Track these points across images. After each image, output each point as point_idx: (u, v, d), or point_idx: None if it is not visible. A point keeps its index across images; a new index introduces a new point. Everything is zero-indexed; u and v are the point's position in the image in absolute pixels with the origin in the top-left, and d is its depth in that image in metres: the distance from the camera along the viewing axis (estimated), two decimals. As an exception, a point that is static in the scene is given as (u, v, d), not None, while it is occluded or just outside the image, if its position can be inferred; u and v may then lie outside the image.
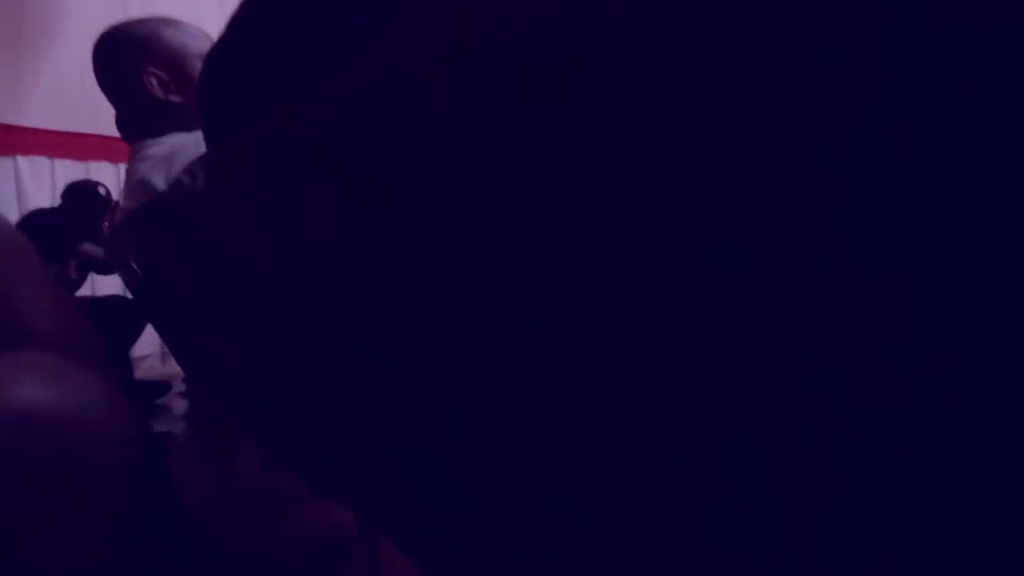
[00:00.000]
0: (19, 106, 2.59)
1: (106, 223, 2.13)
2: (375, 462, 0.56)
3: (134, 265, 0.74)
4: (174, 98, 0.86)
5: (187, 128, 0.87)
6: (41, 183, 2.70)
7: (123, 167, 1.88)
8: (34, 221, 2.24)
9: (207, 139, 0.53)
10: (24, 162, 2.65)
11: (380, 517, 0.67)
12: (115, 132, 0.94)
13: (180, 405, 2.01)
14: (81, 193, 2.34)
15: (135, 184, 0.76)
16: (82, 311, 0.57)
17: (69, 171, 2.74)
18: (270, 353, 0.65)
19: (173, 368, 2.56)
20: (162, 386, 2.17)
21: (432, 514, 0.50)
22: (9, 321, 0.46)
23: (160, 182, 0.73)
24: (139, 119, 0.86)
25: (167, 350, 2.66)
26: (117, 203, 1.93)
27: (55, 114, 2.66)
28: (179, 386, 2.31)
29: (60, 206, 2.35)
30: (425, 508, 0.50)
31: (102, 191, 2.32)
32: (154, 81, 0.85)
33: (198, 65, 0.68)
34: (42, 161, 2.72)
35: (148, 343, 2.69)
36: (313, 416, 0.66)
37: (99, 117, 2.75)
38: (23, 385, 0.43)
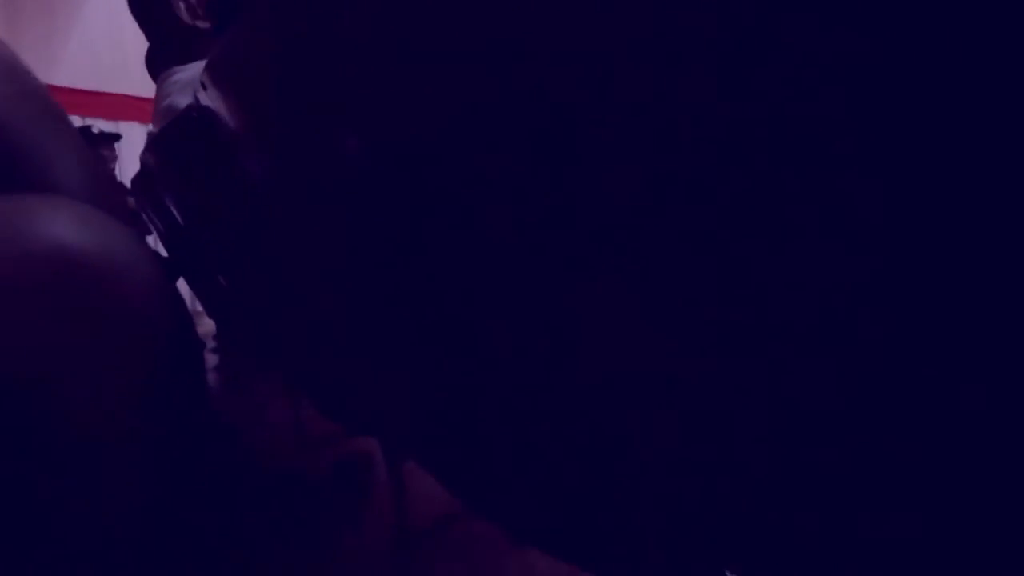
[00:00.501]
0: (51, 65, 2.60)
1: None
2: (395, 386, 0.55)
3: (158, 190, 0.72)
4: (201, 24, 0.84)
5: None
6: (74, 143, 2.75)
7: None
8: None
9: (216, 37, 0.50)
10: (57, 122, 2.70)
11: (402, 440, 0.66)
12: (147, 92, 0.93)
13: (211, 359, 2.05)
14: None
15: (163, 109, 0.74)
16: (107, 170, 0.56)
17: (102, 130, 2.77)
18: (295, 278, 0.64)
19: (204, 328, 2.61)
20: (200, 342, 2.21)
21: (446, 428, 0.49)
22: (38, 169, 0.44)
23: (185, 105, 0.71)
24: (170, 46, 0.84)
25: (198, 308, 2.71)
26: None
27: (87, 73, 2.67)
28: (209, 343, 2.35)
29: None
30: (440, 424, 0.50)
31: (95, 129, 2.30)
32: (182, 6, 0.83)
33: None
34: (74, 120, 2.76)
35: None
36: (340, 350, 0.65)
37: (131, 77, 2.76)
38: (56, 226, 0.41)
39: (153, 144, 0.67)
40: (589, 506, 0.41)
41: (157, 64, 0.88)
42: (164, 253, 1.58)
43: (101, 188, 0.52)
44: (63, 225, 0.42)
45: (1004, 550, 0.20)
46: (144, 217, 1.36)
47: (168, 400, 0.45)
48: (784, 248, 0.22)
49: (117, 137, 2.22)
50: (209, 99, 0.51)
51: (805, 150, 0.19)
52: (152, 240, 2.20)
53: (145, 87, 0.98)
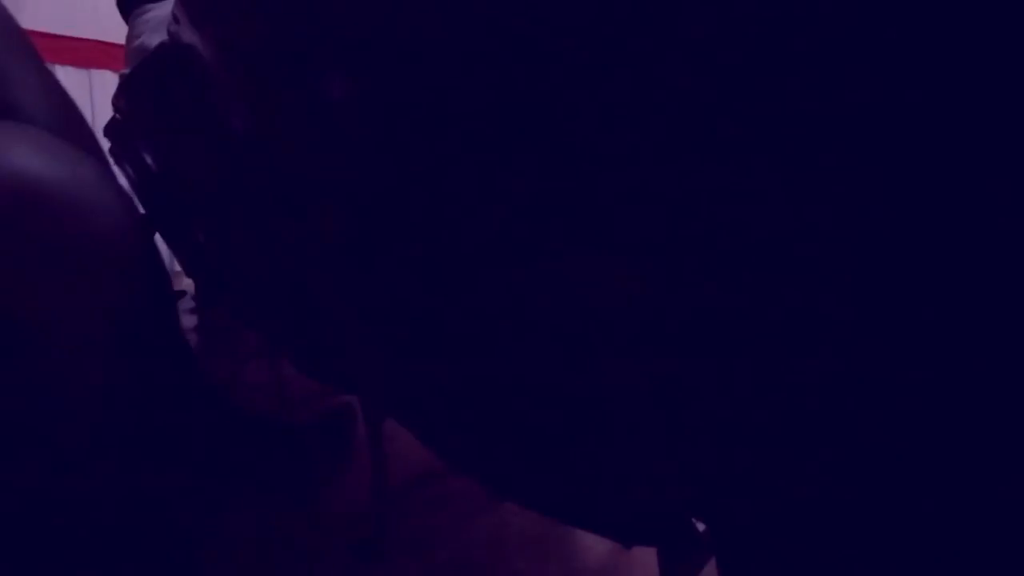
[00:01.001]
0: (17, 9, 2.48)
1: None
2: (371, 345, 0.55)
3: (132, 136, 0.70)
4: None
5: None
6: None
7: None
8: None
9: None
10: (24, 69, 2.58)
11: (381, 397, 0.66)
12: (118, 38, 0.88)
13: (189, 320, 2.02)
14: None
15: (134, 49, 0.71)
16: (70, 98, 0.54)
17: (71, 78, 2.66)
18: (276, 233, 0.62)
19: (181, 286, 2.57)
20: (177, 294, 2.18)
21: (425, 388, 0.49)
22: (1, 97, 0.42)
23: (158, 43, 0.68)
24: None
25: (176, 267, 2.66)
26: None
27: (53, 16, 2.55)
28: (187, 303, 2.32)
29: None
30: (419, 384, 0.50)
31: None
32: None
33: None
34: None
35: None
36: (320, 308, 0.64)
37: (100, 22, 2.64)
38: (18, 153, 0.39)
39: (124, 87, 0.64)
40: (564, 460, 0.42)
41: (130, 2, 0.83)
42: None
43: (71, 122, 0.49)
44: (25, 152, 0.40)
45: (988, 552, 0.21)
46: (119, 169, 1.31)
47: (138, 333, 0.44)
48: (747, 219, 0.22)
49: None
50: (183, 34, 0.48)
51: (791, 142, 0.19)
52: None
53: (116, 32, 0.93)
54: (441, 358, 0.46)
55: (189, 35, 0.51)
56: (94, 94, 2.66)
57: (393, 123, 0.37)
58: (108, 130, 0.95)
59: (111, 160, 1.49)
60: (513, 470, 0.49)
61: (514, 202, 0.32)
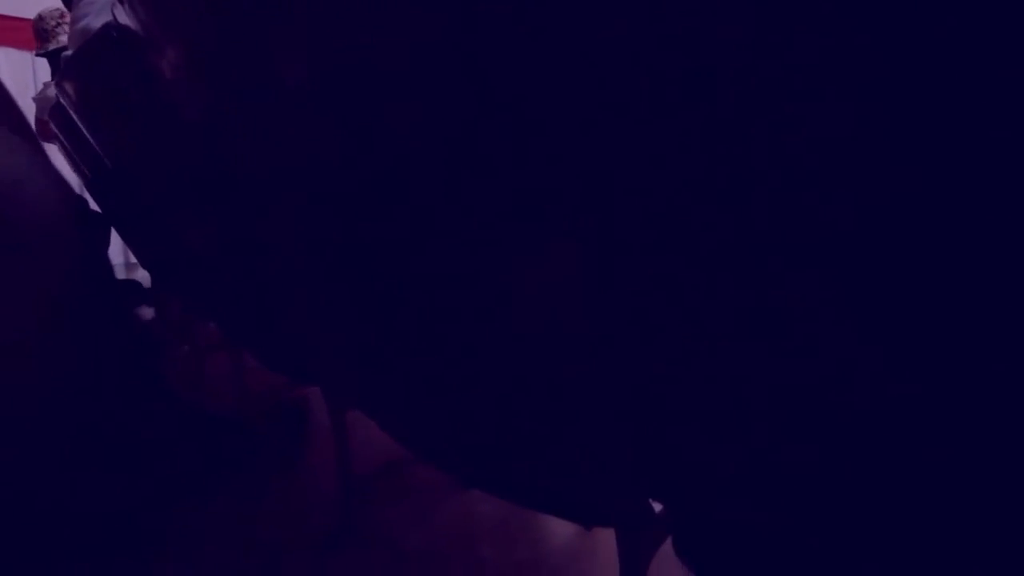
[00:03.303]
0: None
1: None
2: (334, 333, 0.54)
3: (75, 117, 0.67)
4: None
5: None
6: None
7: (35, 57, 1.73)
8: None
9: None
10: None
11: (345, 388, 0.65)
12: (25, 12, 0.83)
13: (147, 312, 1.96)
14: None
15: (78, 31, 0.68)
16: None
17: (13, 60, 2.52)
18: (234, 221, 0.61)
19: (138, 277, 2.48)
20: (133, 284, 2.12)
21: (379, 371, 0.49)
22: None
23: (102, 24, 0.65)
24: None
25: (132, 259, 2.57)
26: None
27: (-4, -2, 2.41)
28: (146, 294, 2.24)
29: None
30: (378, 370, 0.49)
31: None
32: None
33: None
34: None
35: (111, 252, 2.57)
36: (281, 298, 0.63)
37: (44, 3, 2.51)
38: None
39: (68, 69, 0.61)
40: (527, 447, 0.42)
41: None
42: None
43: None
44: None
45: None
46: (66, 159, 1.26)
47: (74, 322, 0.42)
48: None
49: None
50: (128, 18, 0.47)
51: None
52: (78, 187, 2.05)
53: (17, 5, 0.87)
54: (404, 348, 0.46)
55: (135, 18, 0.49)
56: (37, 76, 2.53)
57: (351, 112, 0.37)
58: (54, 114, 0.91)
59: (58, 146, 1.43)
60: (477, 458, 0.50)
61: (475, 197, 0.32)
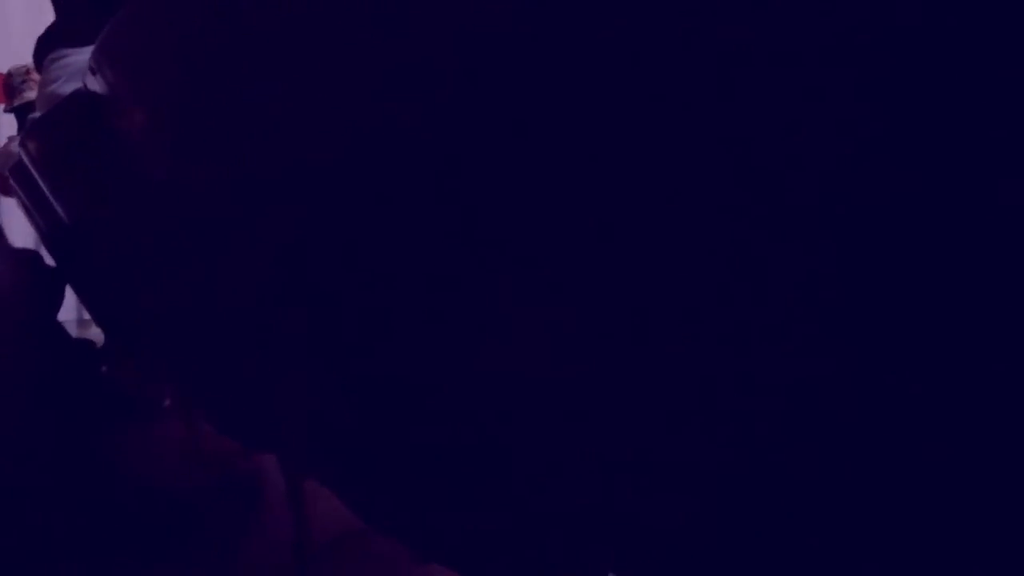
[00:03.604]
0: None
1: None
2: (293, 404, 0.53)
3: (36, 175, 0.66)
4: None
5: None
6: None
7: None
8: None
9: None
10: None
11: (301, 456, 0.63)
12: None
13: (99, 373, 1.88)
14: None
15: (48, 94, 0.68)
16: None
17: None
18: (191, 283, 0.60)
19: (91, 334, 2.39)
20: (85, 343, 2.02)
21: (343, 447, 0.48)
22: None
23: (72, 91, 0.66)
24: (75, 22, 0.76)
25: (85, 316, 2.48)
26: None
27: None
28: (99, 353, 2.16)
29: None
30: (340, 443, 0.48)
31: None
32: None
33: None
34: None
35: (65, 309, 2.48)
36: (238, 362, 0.62)
37: (13, 58, 2.51)
38: None
39: (34, 130, 0.61)
40: (488, 522, 0.41)
41: (48, 45, 0.80)
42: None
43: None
44: None
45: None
46: (25, 214, 1.23)
47: (16, 387, 0.41)
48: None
49: None
50: (99, 85, 0.47)
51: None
52: (35, 242, 1.99)
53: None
54: (365, 417, 0.45)
55: (107, 84, 0.50)
56: (2, 131, 2.51)
57: (316, 179, 0.38)
58: (14, 171, 0.90)
59: (16, 201, 1.40)
60: (436, 531, 0.48)
61: (435, 257, 0.33)
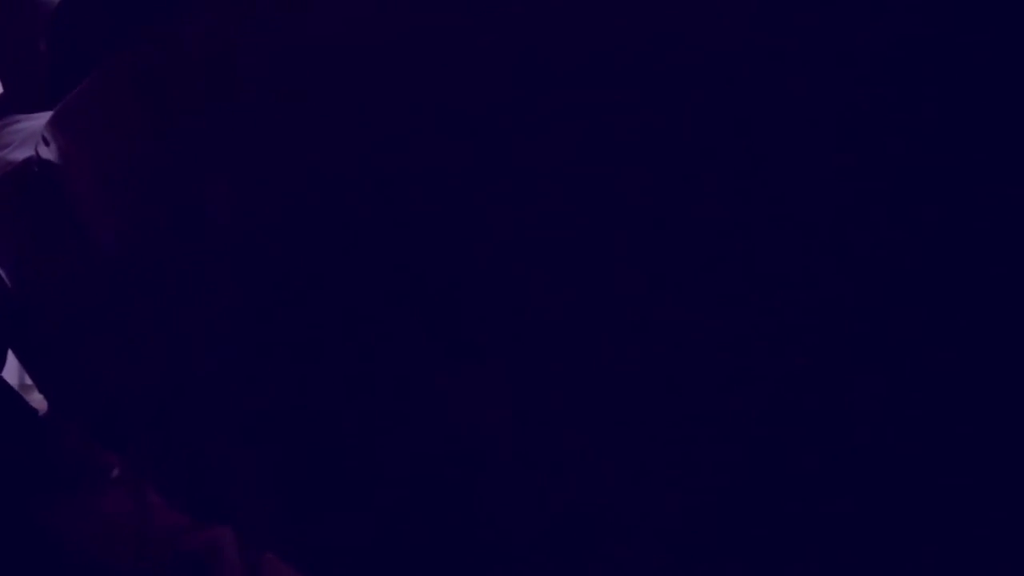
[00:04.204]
0: None
1: None
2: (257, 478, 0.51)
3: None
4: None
5: None
6: None
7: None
8: None
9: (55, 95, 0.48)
10: None
11: (259, 530, 0.61)
12: None
13: (41, 441, 1.77)
14: None
15: (-3, 161, 0.67)
16: None
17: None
18: (143, 352, 0.58)
19: (34, 400, 2.26)
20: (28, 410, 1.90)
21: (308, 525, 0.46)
22: None
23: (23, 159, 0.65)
24: (24, 90, 0.76)
25: (27, 381, 2.35)
26: None
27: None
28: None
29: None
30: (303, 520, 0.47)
31: None
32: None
33: None
34: None
35: (6, 372, 2.35)
36: (192, 433, 0.60)
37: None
38: None
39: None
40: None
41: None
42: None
43: None
44: None
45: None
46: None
47: None
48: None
49: None
50: (51, 155, 0.47)
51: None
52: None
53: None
54: (329, 491, 0.44)
55: (59, 153, 0.50)
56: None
57: (272, 247, 0.38)
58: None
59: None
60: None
61: (391, 333, 0.33)
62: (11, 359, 1.65)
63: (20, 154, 0.74)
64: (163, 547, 0.83)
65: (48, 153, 0.48)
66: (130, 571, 0.69)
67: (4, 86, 0.82)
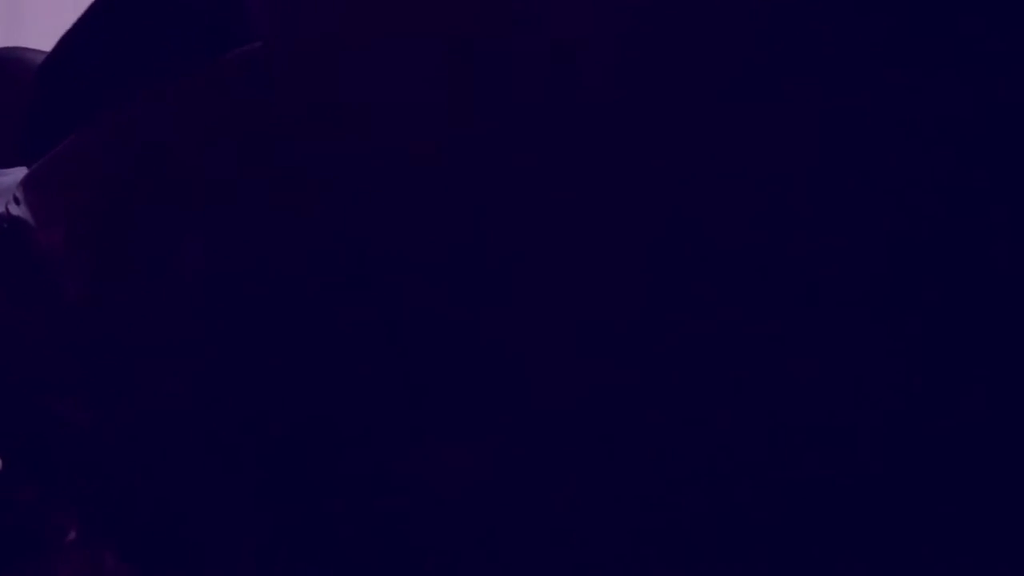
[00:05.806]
0: None
1: None
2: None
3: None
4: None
5: None
6: None
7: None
8: None
9: (33, 156, 0.48)
10: None
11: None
12: None
13: (-8, 500, 1.68)
14: None
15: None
16: None
17: None
18: (106, 405, 0.57)
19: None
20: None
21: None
22: None
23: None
24: (2, 145, 0.76)
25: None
26: None
27: None
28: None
29: None
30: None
31: None
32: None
33: None
34: None
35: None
36: (156, 490, 0.58)
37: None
38: None
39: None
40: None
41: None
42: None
43: None
44: None
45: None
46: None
47: None
48: None
49: None
50: (23, 212, 0.47)
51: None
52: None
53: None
54: (307, 555, 0.43)
55: (29, 210, 0.50)
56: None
57: (253, 303, 0.38)
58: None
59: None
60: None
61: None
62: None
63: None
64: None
65: (18, 211, 0.48)
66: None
67: None
